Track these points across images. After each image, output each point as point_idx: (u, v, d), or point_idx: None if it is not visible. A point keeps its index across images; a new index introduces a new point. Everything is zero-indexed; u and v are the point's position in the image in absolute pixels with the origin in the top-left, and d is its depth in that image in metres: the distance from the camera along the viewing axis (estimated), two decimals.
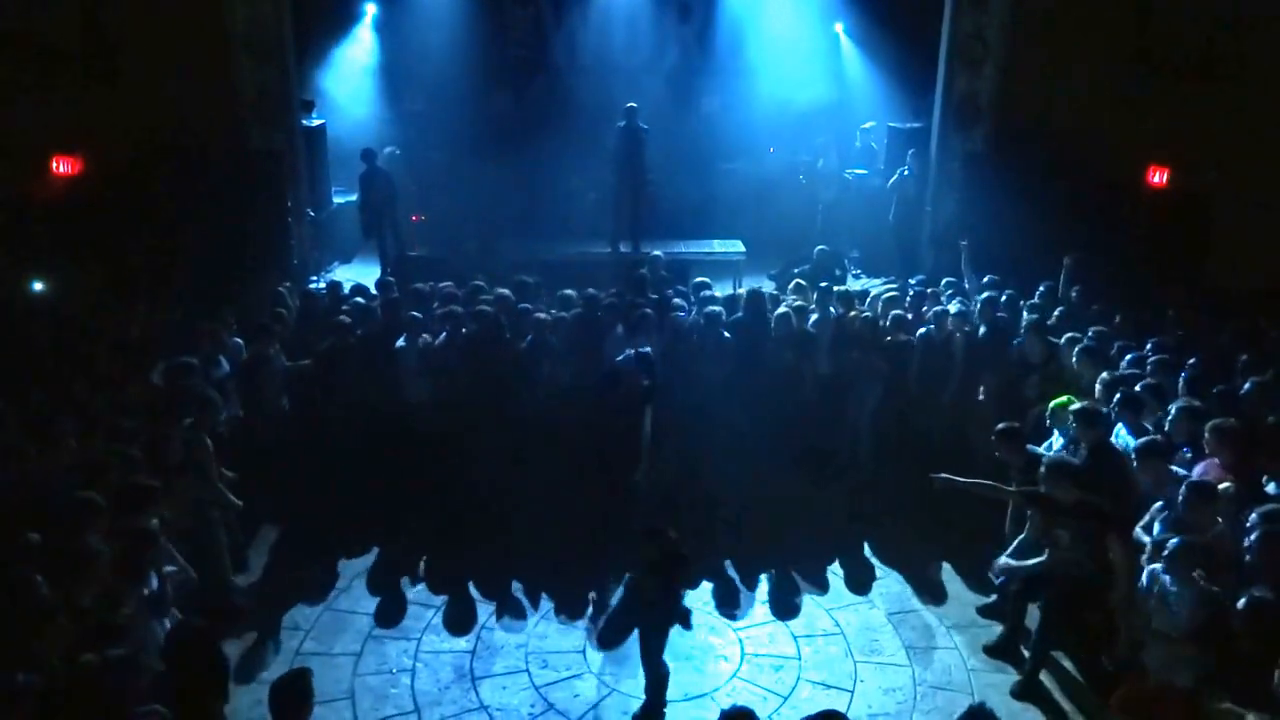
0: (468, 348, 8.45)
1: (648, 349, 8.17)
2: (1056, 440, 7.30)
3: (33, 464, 6.17)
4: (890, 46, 14.17)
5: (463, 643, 6.85)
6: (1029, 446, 7.06)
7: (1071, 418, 6.95)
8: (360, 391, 8.41)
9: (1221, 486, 5.96)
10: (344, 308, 9.13)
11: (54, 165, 10.30)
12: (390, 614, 7.15)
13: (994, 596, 7.22)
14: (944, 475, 6.67)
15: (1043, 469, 6.30)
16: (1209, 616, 5.24)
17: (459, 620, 7.12)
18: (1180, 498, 5.82)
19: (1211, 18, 10.90)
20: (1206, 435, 6.39)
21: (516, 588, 7.43)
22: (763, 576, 7.66)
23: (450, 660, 6.69)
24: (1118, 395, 7.04)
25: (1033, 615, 6.75)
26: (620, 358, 8.17)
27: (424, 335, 8.49)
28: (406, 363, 8.37)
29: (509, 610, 7.24)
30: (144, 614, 5.25)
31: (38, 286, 9.16)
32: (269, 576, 7.60)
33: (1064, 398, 7.35)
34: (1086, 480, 6.28)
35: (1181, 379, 7.46)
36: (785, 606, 7.33)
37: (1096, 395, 7.33)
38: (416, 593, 7.42)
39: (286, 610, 7.12)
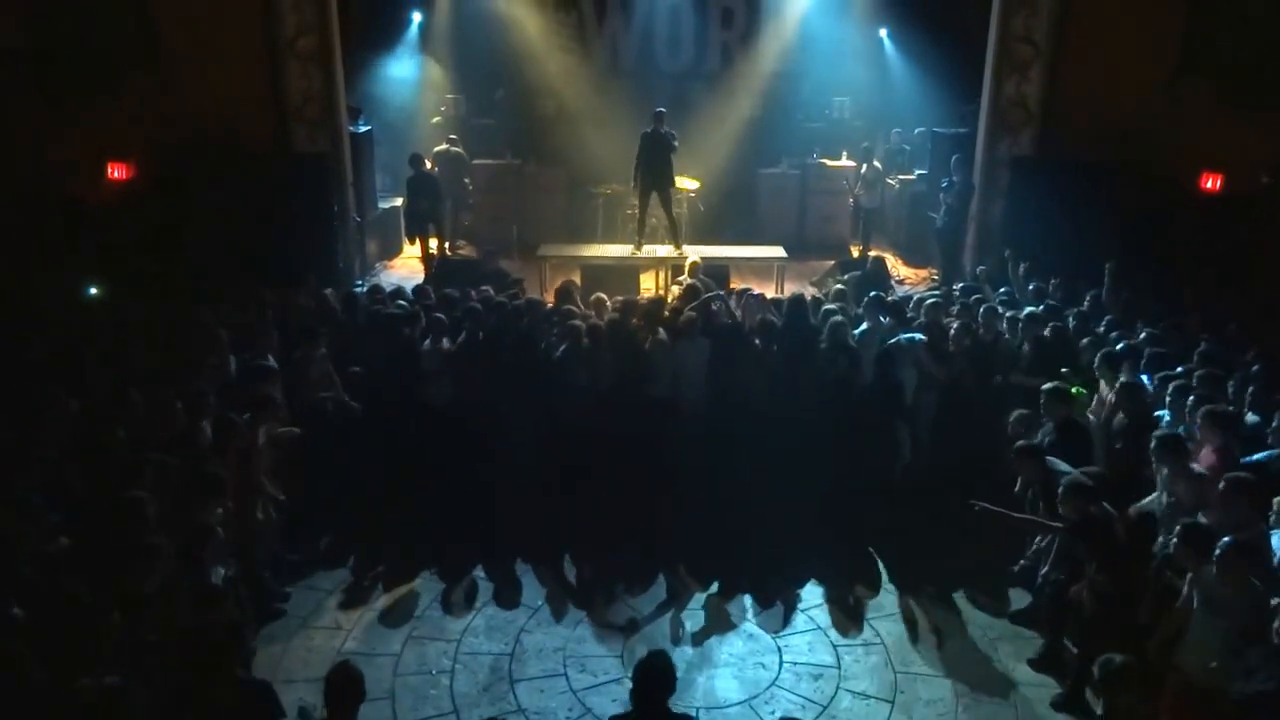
0: (485, 345, 8.42)
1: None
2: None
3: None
4: (935, 52, 14.05)
5: (502, 645, 6.89)
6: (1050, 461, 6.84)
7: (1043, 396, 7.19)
8: (387, 391, 8.39)
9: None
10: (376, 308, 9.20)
11: (109, 171, 10.55)
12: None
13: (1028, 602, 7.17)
14: (984, 504, 6.59)
15: (1060, 489, 6.20)
16: (1259, 618, 5.04)
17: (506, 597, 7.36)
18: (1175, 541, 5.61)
19: (1263, 24, 10.66)
20: (1199, 420, 6.48)
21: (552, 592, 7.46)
22: (804, 585, 7.60)
23: (489, 662, 6.72)
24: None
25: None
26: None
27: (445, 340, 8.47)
28: (429, 364, 8.36)
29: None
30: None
31: (93, 291, 9.34)
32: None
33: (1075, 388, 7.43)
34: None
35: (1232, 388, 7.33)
36: (824, 615, 7.28)
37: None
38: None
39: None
